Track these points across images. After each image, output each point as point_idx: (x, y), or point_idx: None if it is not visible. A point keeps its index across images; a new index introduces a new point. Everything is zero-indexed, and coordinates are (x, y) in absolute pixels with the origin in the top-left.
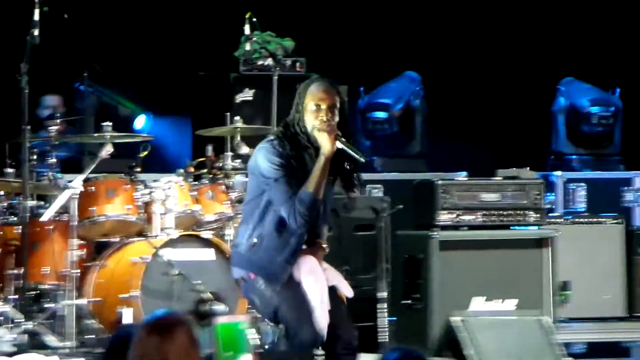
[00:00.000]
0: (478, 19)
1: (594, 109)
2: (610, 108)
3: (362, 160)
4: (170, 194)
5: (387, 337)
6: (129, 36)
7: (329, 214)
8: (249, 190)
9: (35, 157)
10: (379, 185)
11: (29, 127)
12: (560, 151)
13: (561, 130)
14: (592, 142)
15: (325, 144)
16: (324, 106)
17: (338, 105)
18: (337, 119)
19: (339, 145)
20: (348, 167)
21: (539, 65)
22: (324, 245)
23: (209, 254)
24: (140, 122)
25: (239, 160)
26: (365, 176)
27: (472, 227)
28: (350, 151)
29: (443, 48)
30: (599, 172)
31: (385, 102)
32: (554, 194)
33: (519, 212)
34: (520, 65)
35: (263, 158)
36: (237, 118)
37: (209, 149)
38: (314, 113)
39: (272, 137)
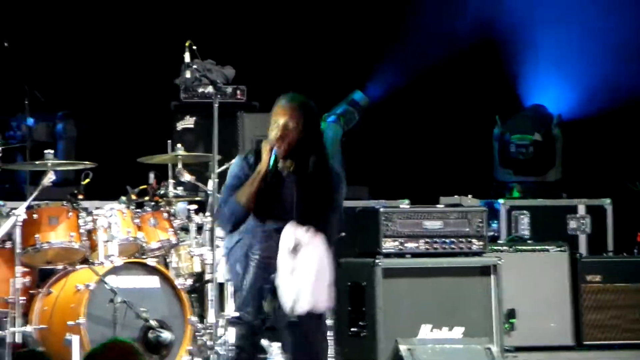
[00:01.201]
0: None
1: (513, 138)
2: (530, 137)
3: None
4: (113, 221)
5: None
6: (70, 64)
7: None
8: None
9: None
10: None
11: None
12: (499, 179)
13: (496, 158)
14: (531, 169)
15: (264, 157)
16: (280, 122)
17: (299, 122)
18: (295, 135)
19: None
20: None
21: (485, 93)
22: None
23: (154, 282)
24: None
25: (180, 188)
26: None
27: (415, 255)
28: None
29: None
30: (542, 199)
31: None
32: (497, 221)
33: (461, 239)
34: (464, 92)
35: (233, 162)
36: (179, 145)
37: (151, 177)
38: (273, 129)
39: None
